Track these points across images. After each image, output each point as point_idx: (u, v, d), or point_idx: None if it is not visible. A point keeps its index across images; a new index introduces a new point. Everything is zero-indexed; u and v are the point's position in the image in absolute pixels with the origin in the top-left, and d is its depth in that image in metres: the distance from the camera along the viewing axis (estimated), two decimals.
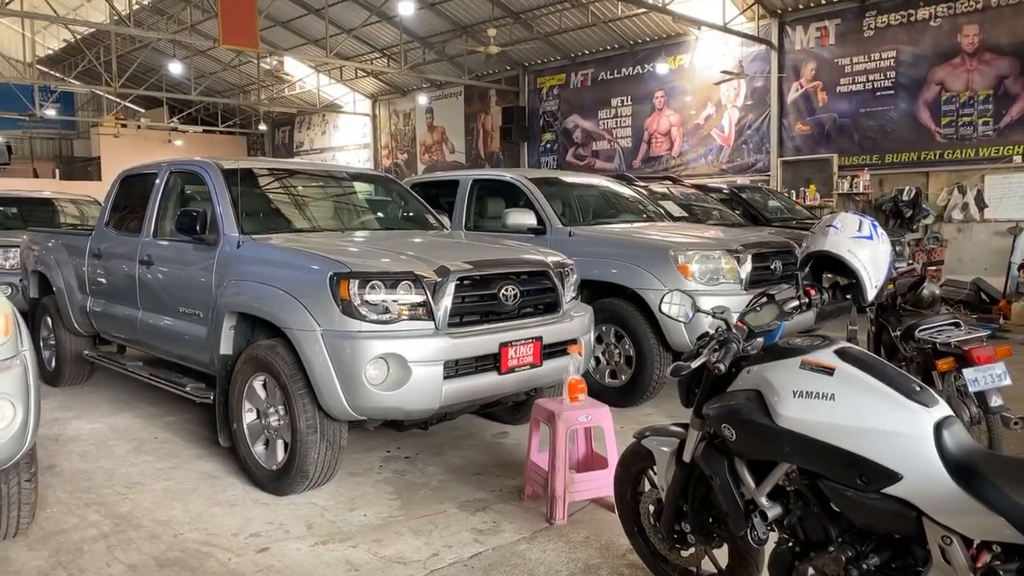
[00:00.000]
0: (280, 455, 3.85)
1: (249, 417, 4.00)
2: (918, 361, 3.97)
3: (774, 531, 2.31)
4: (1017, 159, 11.10)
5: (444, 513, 3.66)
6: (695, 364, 2.33)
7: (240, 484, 4.02)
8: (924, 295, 4.35)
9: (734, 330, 2.35)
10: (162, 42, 19.63)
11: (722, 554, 2.66)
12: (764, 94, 13.75)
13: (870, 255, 2.37)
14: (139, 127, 25.62)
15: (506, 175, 6.55)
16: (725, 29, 13.24)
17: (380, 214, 5.70)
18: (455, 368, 3.68)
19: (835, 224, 2.43)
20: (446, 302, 3.69)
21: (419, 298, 3.65)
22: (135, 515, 3.64)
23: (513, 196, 6.29)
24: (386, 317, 3.58)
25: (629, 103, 15.95)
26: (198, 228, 4.31)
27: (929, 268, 7.88)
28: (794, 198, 12.29)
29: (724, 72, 13.92)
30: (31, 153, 28.04)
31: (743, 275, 5.28)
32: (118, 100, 23.54)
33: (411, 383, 3.52)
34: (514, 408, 4.92)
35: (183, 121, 24.94)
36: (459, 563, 3.15)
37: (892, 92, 12.19)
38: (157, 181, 5.18)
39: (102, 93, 22.52)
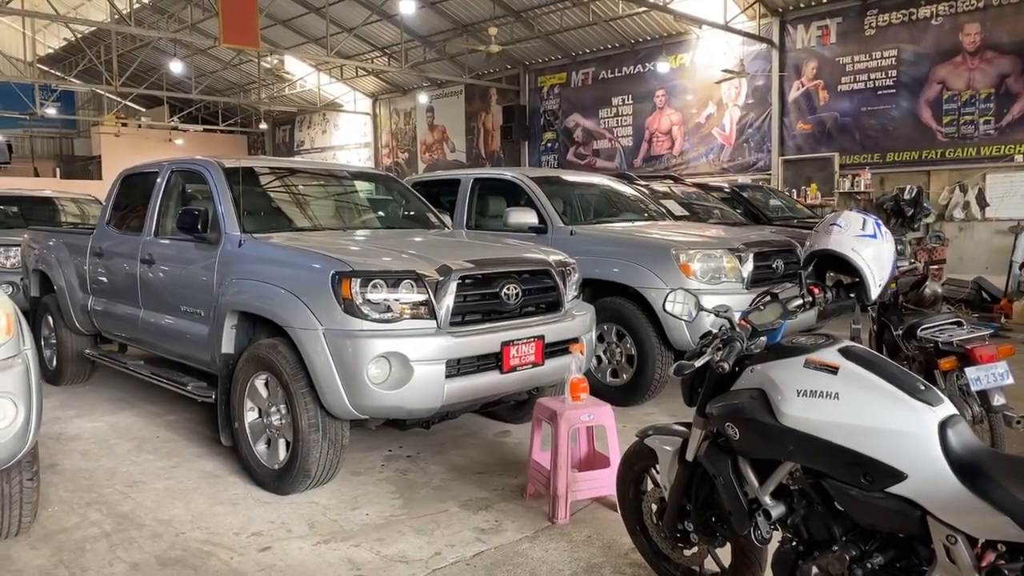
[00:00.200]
0: (282, 454, 3.85)
1: (251, 416, 3.99)
2: (920, 360, 3.96)
3: (778, 530, 2.30)
4: (1018, 158, 11.10)
5: (446, 512, 3.65)
6: (699, 363, 2.32)
7: (242, 483, 4.01)
8: (926, 294, 4.35)
9: (737, 329, 2.34)
10: (163, 41, 19.62)
11: (725, 553, 2.66)
12: (765, 93, 13.75)
13: (874, 254, 2.37)
14: (140, 126, 25.63)
15: (507, 174, 6.55)
16: (726, 28, 13.23)
17: (381, 213, 5.70)
18: (457, 367, 3.67)
19: (839, 223, 2.43)
20: (448, 301, 3.69)
21: (421, 297, 3.64)
22: (137, 514, 3.64)
23: (514, 195, 6.28)
24: (388, 316, 3.58)
25: (630, 102, 15.94)
26: (199, 227, 4.31)
27: (931, 267, 7.87)
28: (795, 197, 12.29)
29: (725, 71, 13.91)
30: (32, 152, 28.04)
31: (745, 274, 5.28)
32: (119, 99, 23.55)
33: (413, 382, 3.52)
34: (516, 407, 4.92)
35: (184, 120, 24.95)
36: (461, 562, 3.14)
37: (893, 91, 12.18)
38: (158, 180, 5.17)
39: (103, 92, 22.54)
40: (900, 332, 4.13)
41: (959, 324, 3.99)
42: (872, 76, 12.39)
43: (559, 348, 4.10)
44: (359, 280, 3.56)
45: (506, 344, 3.83)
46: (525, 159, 17.90)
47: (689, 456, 2.53)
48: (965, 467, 1.84)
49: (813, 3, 12.99)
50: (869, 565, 2.02)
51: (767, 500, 2.26)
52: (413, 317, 3.62)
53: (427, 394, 3.59)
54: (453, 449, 4.59)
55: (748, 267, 5.30)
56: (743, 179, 12.96)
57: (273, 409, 3.85)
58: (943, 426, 1.91)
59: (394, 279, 3.63)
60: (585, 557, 3.17)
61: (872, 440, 1.94)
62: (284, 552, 3.24)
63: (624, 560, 3.13)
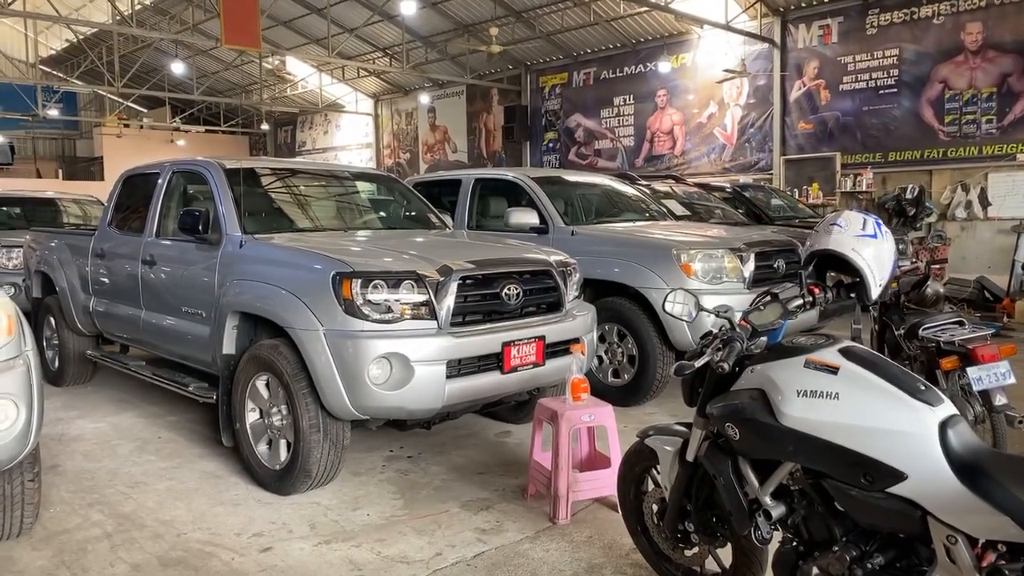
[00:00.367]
0: (283, 455, 3.85)
1: (252, 417, 4.00)
2: (922, 360, 3.96)
3: (778, 530, 2.30)
4: (1021, 157, 11.07)
5: (447, 512, 3.65)
6: (699, 363, 2.32)
7: (243, 484, 4.02)
8: (928, 293, 4.34)
9: (738, 329, 2.34)
10: (164, 42, 19.65)
11: (726, 553, 2.66)
12: (767, 92, 13.73)
13: (874, 253, 2.36)
14: (141, 127, 25.65)
15: (508, 174, 6.55)
16: (727, 27, 13.22)
17: (382, 213, 5.70)
18: (458, 367, 3.67)
19: (839, 222, 2.42)
20: (449, 301, 3.69)
21: (422, 297, 3.64)
22: (138, 515, 3.64)
23: (515, 195, 6.28)
24: (389, 316, 3.58)
25: (631, 102, 15.93)
26: (200, 228, 4.31)
27: (932, 266, 7.86)
28: (797, 196, 12.27)
29: (726, 71, 13.90)
30: (34, 153, 28.11)
31: (746, 274, 5.27)
32: (120, 100, 23.55)
33: (414, 382, 3.52)
34: (517, 407, 4.92)
35: (185, 121, 24.96)
36: (462, 563, 3.14)
37: (895, 90, 12.16)
38: (159, 181, 5.18)
39: (104, 93, 22.56)
40: (902, 332, 4.12)
41: (961, 324, 3.98)
42: (874, 75, 12.37)
43: (560, 348, 4.10)
44: (360, 281, 3.57)
45: (507, 344, 3.83)
46: (527, 159, 17.89)
47: (690, 456, 2.53)
48: (965, 467, 1.84)
49: (814, 2, 12.97)
50: (869, 565, 2.02)
51: (767, 500, 2.26)
52: (414, 318, 3.62)
53: (428, 394, 3.59)
54: (454, 449, 4.59)
55: (749, 267, 5.30)
56: (745, 179, 12.94)
57: (274, 410, 3.85)
58: (943, 426, 1.90)
59: (395, 280, 3.63)
60: (586, 557, 3.17)
61: (872, 440, 1.94)
62: (285, 553, 3.24)
63: (625, 560, 3.13)
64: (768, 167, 13.82)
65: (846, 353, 2.13)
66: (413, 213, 5.61)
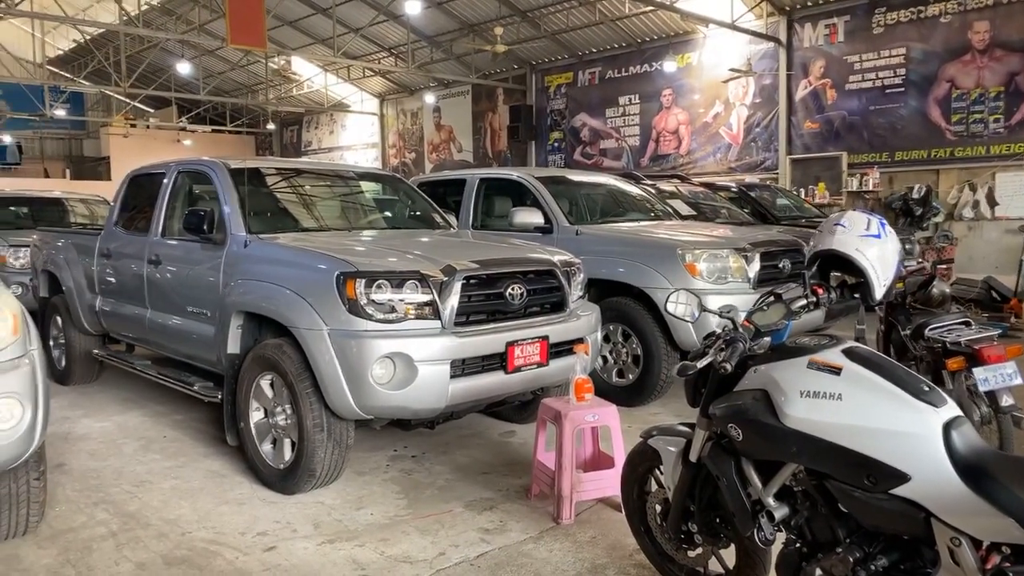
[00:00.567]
0: (287, 454, 3.86)
1: (256, 416, 4.01)
2: (928, 360, 3.94)
3: (781, 532, 2.29)
4: None
5: (450, 512, 3.66)
6: (701, 364, 2.31)
7: (247, 483, 4.03)
8: (934, 294, 4.32)
9: (741, 329, 2.33)
10: (171, 42, 19.71)
11: (729, 554, 2.65)
12: (772, 92, 13.69)
13: (878, 254, 2.35)
14: (148, 127, 25.76)
15: (513, 174, 6.55)
16: (733, 27, 13.19)
17: (387, 213, 5.71)
18: (461, 367, 3.68)
19: (843, 223, 2.42)
20: (452, 301, 3.69)
21: (425, 297, 3.65)
22: (143, 513, 3.65)
23: (520, 195, 6.28)
24: (392, 316, 3.58)
25: (637, 101, 15.91)
26: (205, 227, 4.33)
27: (939, 266, 7.82)
28: (803, 196, 12.22)
29: (732, 70, 13.86)
30: (42, 153, 28.24)
31: (751, 274, 5.26)
32: (127, 100, 23.66)
33: (417, 382, 3.52)
34: (521, 407, 4.91)
35: (192, 121, 25.05)
36: (465, 562, 3.14)
37: (902, 89, 12.11)
38: (165, 181, 5.20)
39: (111, 93, 22.65)
40: (908, 332, 4.10)
41: (967, 324, 3.97)
42: (880, 75, 12.32)
43: (564, 348, 4.10)
44: (364, 280, 3.57)
45: (511, 344, 3.83)
46: (532, 159, 17.89)
47: (693, 457, 2.52)
48: (969, 469, 1.83)
49: (821, 1, 12.92)
50: (873, 567, 2.01)
51: (770, 501, 2.25)
52: (418, 317, 3.63)
53: (432, 394, 3.59)
54: (458, 449, 4.59)
55: (754, 267, 5.29)
56: (750, 178, 12.90)
57: (279, 409, 3.86)
58: (947, 427, 1.89)
59: (398, 279, 3.63)
60: (589, 558, 3.17)
61: (876, 441, 1.93)
62: (289, 552, 3.24)
63: (628, 561, 3.13)
64: (774, 167, 13.78)
65: (849, 354, 2.12)
66: (418, 213, 5.61)
